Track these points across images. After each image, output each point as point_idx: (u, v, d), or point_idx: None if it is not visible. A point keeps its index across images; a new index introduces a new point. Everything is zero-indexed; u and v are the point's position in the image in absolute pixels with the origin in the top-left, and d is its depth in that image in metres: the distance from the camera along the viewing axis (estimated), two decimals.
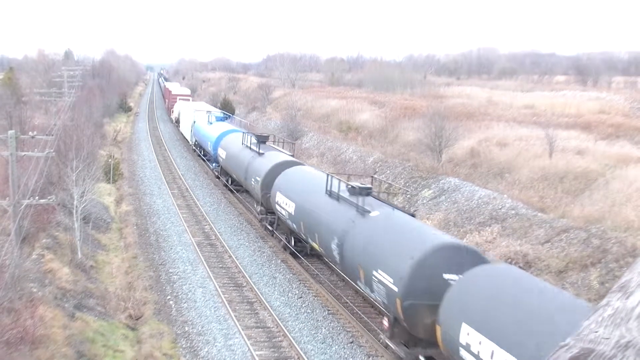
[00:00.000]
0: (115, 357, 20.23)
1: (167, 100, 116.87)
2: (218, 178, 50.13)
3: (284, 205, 29.13)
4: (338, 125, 65.91)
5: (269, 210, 33.85)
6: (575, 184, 33.90)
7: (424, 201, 37.41)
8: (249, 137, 40.43)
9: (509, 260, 25.66)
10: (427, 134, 45.14)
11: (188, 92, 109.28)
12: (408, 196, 32.87)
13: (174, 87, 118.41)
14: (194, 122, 62.24)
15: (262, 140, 39.64)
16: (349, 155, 51.79)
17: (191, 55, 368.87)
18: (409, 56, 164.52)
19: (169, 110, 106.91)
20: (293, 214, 27.75)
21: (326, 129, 66.20)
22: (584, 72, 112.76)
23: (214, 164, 51.43)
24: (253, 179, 35.98)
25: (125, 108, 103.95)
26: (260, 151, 37.43)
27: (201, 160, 60.63)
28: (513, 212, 31.36)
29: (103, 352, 20.20)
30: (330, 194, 25.12)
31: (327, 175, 26.51)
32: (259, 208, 36.06)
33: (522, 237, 28.47)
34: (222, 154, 45.62)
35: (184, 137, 74.11)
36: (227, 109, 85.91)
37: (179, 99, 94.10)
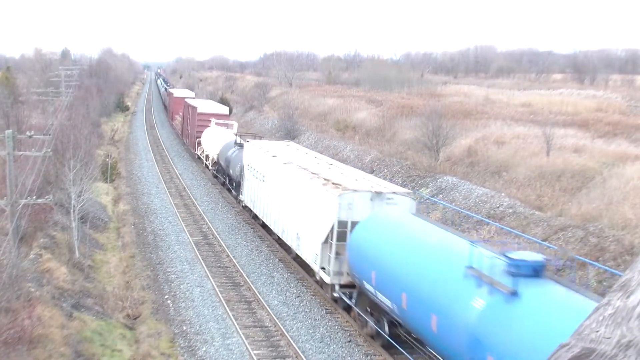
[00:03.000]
0: (112, 357, 20.21)
1: (179, 119, 74.94)
2: None
3: None
4: (335, 124, 65.89)
5: None
6: (572, 182, 33.92)
7: (422, 200, 37.38)
8: None
9: None
10: (425, 132, 45.13)
11: (226, 110, 64.03)
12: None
13: (196, 101, 71.52)
14: (355, 239, 22.21)
15: None
16: (347, 154, 51.77)
17: (188, 53, 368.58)
18: (406, 54, 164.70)
19: (186, 138, 67.80)
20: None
21: (323, 127, 66.20)
22: (581, 70, 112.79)
23: None
24: None
25: (122, 107, 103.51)
26: None
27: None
28: (511, 210, 31.37)
29: (101, 352, 20.19)
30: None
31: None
32: None
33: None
34: None
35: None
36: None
37: (215, 122, 54.86)
